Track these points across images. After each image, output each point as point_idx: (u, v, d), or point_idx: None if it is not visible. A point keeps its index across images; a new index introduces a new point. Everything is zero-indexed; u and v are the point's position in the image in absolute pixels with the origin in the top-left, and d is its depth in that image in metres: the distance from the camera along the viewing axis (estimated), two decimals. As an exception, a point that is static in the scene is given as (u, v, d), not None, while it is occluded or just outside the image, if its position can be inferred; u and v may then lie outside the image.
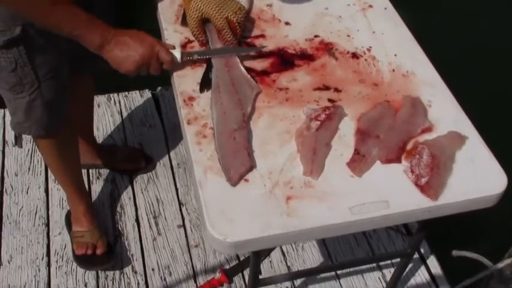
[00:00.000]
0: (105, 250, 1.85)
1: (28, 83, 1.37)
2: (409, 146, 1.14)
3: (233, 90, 1.20)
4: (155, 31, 1.35)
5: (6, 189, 2.07)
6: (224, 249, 1.00)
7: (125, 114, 2.36)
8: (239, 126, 1.13)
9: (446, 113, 1.21)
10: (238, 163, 1.08)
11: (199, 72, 1.27)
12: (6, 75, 1.35)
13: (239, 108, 1.17)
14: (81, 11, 1.15)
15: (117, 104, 2.40)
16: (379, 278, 1.90)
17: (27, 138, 2.15)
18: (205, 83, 1.23)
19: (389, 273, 1.88)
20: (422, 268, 1.93)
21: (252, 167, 1.08)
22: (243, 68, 1.26)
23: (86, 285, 1.83)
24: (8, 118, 2.29)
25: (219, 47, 1.29)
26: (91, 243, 1.84)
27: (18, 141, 1.62)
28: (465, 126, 1.19)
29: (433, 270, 1.92)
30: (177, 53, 1.25)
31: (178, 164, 2.19)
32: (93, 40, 1.17)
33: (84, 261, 1.85)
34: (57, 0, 1.12)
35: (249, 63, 1.30)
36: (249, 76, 1.25)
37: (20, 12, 1.16)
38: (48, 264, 1.87)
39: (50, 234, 1.95)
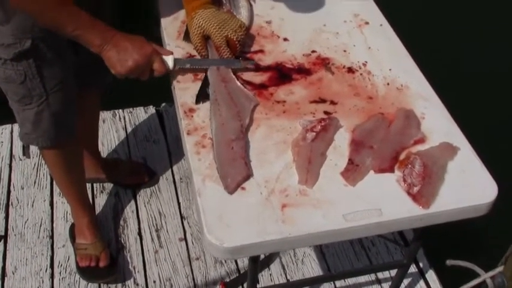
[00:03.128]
0: (108, 263, 1.88)
1: (36, 95, 1.42)
2: (402, 157, 1.18)
3: (232, 103, 1.25)
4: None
5: (12, 202, 2.11)
6: (221, 254, 1.03)
7: (129, 129, 2.41)
8: (237, 137, 1.17)
9: (438, 124, 1.25)
10: (235, 172, 1.11)
11: (199, 85, 1.31)
12: (15, 87, 1.40)
13: (237, 120, 1.21)
14: (83, 12, 1.20)
15: (122, 120, 2.44)
16: (378, 291, 1.91)
17: (33, 152, 2.20)
18: (201, 96, 1.28)
19: (388, 286, 1.90)
20: (421, 282, 1.94)
21: (248, 175, 1.12)
22: (238, 83, 1.30)
23: (88, 296, 1.85)
24: (15, 133, 2.35)
25: None
26: (94, 255, 1.87)
27: (26, 152, 1.66)
28: (457, 137, 1.23)
29: (431, 284, 1.93)
30: (169, 60, 1.30)
31: (180, 179, 2.22)
32: (93, 40, 1.22)
33: (87, 273, 1.88)
34: (62, 1, 1.17)
35: (248, 77, 1.34)
36: (245, 89, 1.29)
37: (25, 11, 1.20)
38: (52, 276, 1.90)
39: (54, 246, 1.98)
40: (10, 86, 1.41)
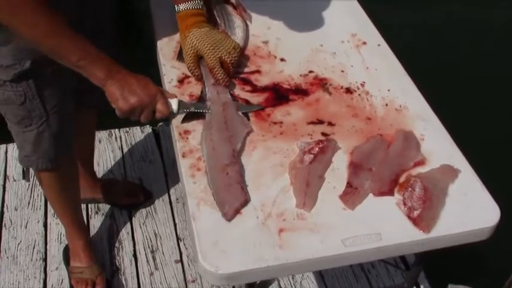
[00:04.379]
0: (104, 287, 1.84)
1: (36, 116, 1.40)
2: (401, 179, 1.15)
3: (224, 127, 1.22)
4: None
5: (5, 224, 2.08)
6: (216, 281, 1.00)
7: (125, 149, 2.38)
8: (230, 162, 1.14)
9: (438, 146, 1.23)
10: (232, 198, 1.08)
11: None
12: (15, 109, 1.37)
13: (228, 145, 1.18)
14: (89, 43, 1.17)
15: (118, 140, 2.42)
16: (378, 315, 1.88)
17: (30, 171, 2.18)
18: (187, 117, 1.27)
19: (388, 310, 1.86)
20: (422, 305, 1.91)
21: (246, 201, 1.09)
22: (235, 109, 1.27)
23: (81, 321, 1.81)
24: (10, 153, 2.32)
25: (212, 82, 1.32)
26: (90, 279, 1.83)
27: (26, 176, 1.63)
28: (458, 159, 1.20)
29: (433, 307, 1.89)
30: (174, 103, 1.25)
31: (177, 199, 2.19)
32: (97, 73, 1.18)
33: None
34: (65, 28, 1.13)
35: (245, 97, 1.32)
36: (242, 115, 1.26)
37: (25, 37, 1.15)
38: (45, 300, 1.86)
39: (47, 269, 1.94)
40: (9, 107, 1.38)
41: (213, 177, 1.12)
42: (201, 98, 1.30)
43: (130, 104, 1.18)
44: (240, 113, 1.26)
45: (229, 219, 1.06)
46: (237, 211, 1.07)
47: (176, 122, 1.26)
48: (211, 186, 1.10)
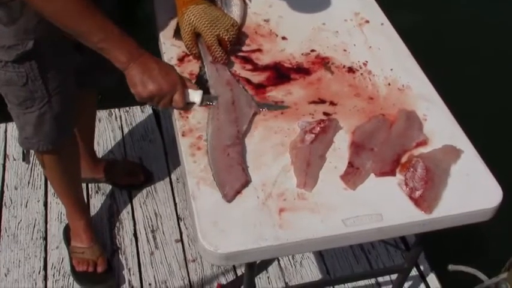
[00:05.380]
0: (105, 268, 1.84)
1: (38, 97, 1.37)
2: (403, 159, 1.14)
3: (232, 108, 1.20)
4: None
5: (5, 203, 2.08)
6: (216, 260, 0.99)
7: (125, 129, 2.37)
8: (232, 143, 1.13)
9: (441, 126, 1.21)
10: (233, 179, 1.07)
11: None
12: (16, 90, 1.35)
13: (234, 125, 1.17)
14: (113, 25, 1.13)
15: (118, 119, 2.41)
16: (378, 295, 1.88)
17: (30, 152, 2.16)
18: (198, 85, 1.24)
19: (388, 290, 1.87)
20: (422, 286, 1.91)
21: (247, 182, 1.07)
22: (241, 86, 1.26)
23: (82, 299, 1.82)
24: (9, 132, 2.31)
25: (210, 60, 1.30)
26: (92, 260, 1.83)
27: (26, 158, 1.61)
28: (460, 139, 1.19)
29: (432, 288, 1.90)
30: (197, 96, 1.21)
31: (177, 179, 2.19)
32: (118, 56, 1.14)
33: (84, 278, 1.84)
34: (88, 6, 1.10)
35: (246, 76, 1.30)
36: (249, 95, 1.25)
37: (51, 18, 1.12)
38: (45, 278, 1.87)
39: (48, 248, 1.95)
40: (11, 88, 1.36)
41: (214, 158, 1.11)
42: (200, 76, 1.28)
43: (148, 90, 1.15)
44: (247, 93, 1.25)
45: (229, 200, 1.05)
46: (238, 192, 1.06)
47: (176, 100, 1.24)
48: (212, 167, 1.09)
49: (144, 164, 2.22)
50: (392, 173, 1.11)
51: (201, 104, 1.21)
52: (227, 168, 1.09)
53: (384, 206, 1.05)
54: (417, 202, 1.06)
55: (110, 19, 1.14)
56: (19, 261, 1.91)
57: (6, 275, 1.86)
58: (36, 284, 1.85)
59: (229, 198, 1.05)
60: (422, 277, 1.93)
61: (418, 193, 1.07)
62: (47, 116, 1.42)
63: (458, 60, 2.88)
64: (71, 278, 1.86)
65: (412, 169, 1.11)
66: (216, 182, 1.07)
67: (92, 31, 1.12)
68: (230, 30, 1.29)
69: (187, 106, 1.21)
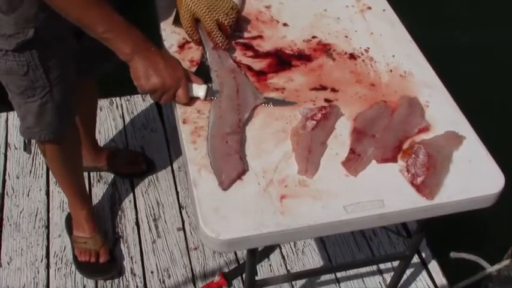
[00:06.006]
0: (108, 258, 1.85)
1: (40, 86, 1.36)
2: (405, 146, 1.14)
3: (235, 96, 1.20)
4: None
5: (7, 192, 2.08)
6: (218, 247, 0.99)
7: (126, 118, 2.37)
8: (232, 131, 1.12)
9: (443, 113, 1.21)
10: (230, 167, 1.07)
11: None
12: (17, 79, 1.34)
13: (236, 113, 1.16)
14: (119, 16, 1.12)
15: (119, 108, 2.40)
16: (379, 282, 1.88)
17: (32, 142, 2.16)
18: (200, 72, 1.23)
19: (390, 277, 1.86)
20: (424, 273, 1.91)
21: (244, 171, 1.07)
22: (244, 75, 1.25)
23: (84, 287, 1.82)
24: (10, 121, 2.31)
25: (211, 46, 1.29)
26: (94, 250, 1.84)
27: (27, 148, 1.60)
28: (463, 126, 1.18)
29: (434, 275, 1.90)
30: (202, 90, 1.20)
31: (179, 167, 2.19)
32: (123, 48, 1.13)
33: (87, 268, 1.84)
34: None
35: (247, 63, 1.30)
36: (253, 85, 1.24)
37: (57, 7, 1.11)
38: (48, 266, 1.87)
39: (50, 236, 1.95)
40: (12, 78, 1.35)
41: (213, 146, 1.11)
42: (202, 63, 1.27)
43: (152, 84, 1.14)
44: (252, 83, 1.23)
45: (225, 189, 1.04)
46: (234, 181, 1.05)
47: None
48: (210, 155, 1.09)
49: (145, 152, 2.22)
50: (394, 159, 1.11)
51: (206, 97, 1.20)
52: (224, 157, 1.08)
53: (386, 193, 1.05)
54: (419, 188, 1.06)
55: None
56: (21, 249, 1.91)
57: (8, 263, 1.87)
58: (38, 272, 1.85)
59: (225, 186, 1.04)
60: (424, 264, 1.93)
61: (419, 179, 1.07)
62: (49, 105, 1.41)
63: (460, 46, 2.85)
64: (73, 266, 1.86)
65: (413, 155, 1.10)
66: (213, 170, 1.07)
67: (98, 21, 1.11)
68: (230, 14, 1.28)
69: (191, 101, 1.20)
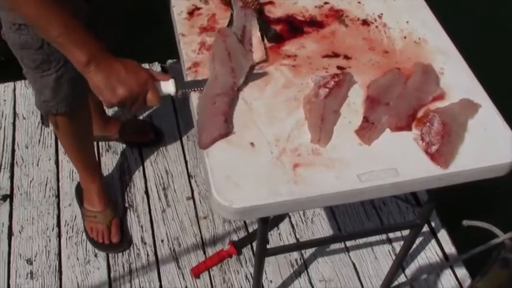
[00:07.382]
0: (118, 239, 1.85)
1: (55, 60, 1.35)
2: (419, 114, 1.12)
3: (228, 59, 1.16)
4: None
5: (17, 161, 2.08)
6: (230, 215, 0.99)
7: (134, 87, 2.34)
8: (223, 92, 1.10)
9: (458, 80, 1.18)
10: (212, 127, 1.05)
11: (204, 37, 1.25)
12: (32, 53, 1.33)
13: (230, 77, 1.14)
14: (76, 22, 1.05)
15: (127, 77, 2.38)
16: (389, 251, 1.89)
17: (37, 112, 2.16)
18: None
19: (399, 246, 1.87)
20: (433, 241, 1.92)
21: (227, 133, 1.05)
22: (237, 40, 1.21)
23: (96, 255, 1.84)
24: (18, 91, 2.30)
25: (239, 5, 1.26)
26: (105, 224, 1.84)
27: (45, 121, 1.59)
28: (478, 94, 1.16)
29: (443, 244, 1.90)
30: (170, 86, 1.12)
31: (187, 137, 2.18)
32: (78, 56, 1.04)
33: (97, 244, 1.86)
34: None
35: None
36: (244, 48, 1.20)
37: (12, 6, 1.06)
38: (59, 235, 1.89)
39: (60, 205, 1.96)
40: (26, 52, 1.33)
41: (201, 104, 1.09)
42: (231, 23, 1.25)
43: (119, 96, 1.05)
44: (242, 46, 1.20)
45: (202, 148, 1.03)
46: (214, 141, 1.04)
47: (185, 54, 1.22)
48: (196, 113, 1.08)
49: (154, 122, 2.21)
50: (408, 127, 1.09)
51: (177, 92, 1.13)
52: (209, 116, 1.07)
53: (400, 161, 1.04)
54: (433, 157, 1.05)
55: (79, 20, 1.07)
56: (33, 218, 1.93)
57: (20, 232, 1.89)
58: (50, 241, 1.87)
59: (203, 145, 1.03)
60: (433, 233, 1.94)
61: (434, 148, 1.05)
62: (64, 78, 1.40)
63: (476, 11, 2.79)
64: (84, 235, 1.87)
65: (428, 124, 1.09)
66: (196, 127, 1.05)
67: (53, 23, 1.03)
68: None
69: (163, 100, 1.14)
